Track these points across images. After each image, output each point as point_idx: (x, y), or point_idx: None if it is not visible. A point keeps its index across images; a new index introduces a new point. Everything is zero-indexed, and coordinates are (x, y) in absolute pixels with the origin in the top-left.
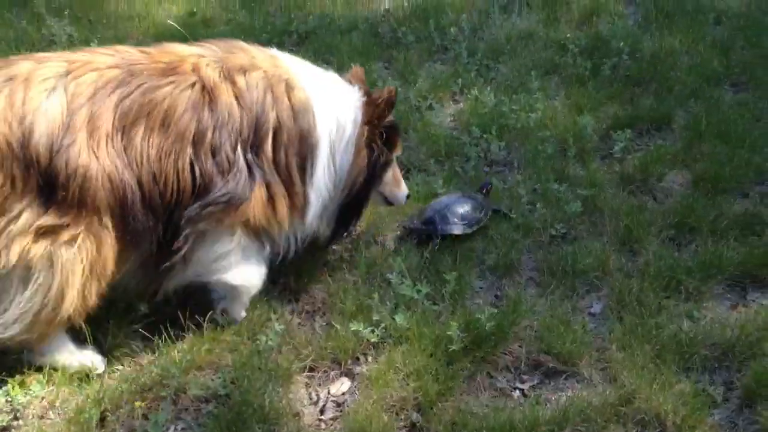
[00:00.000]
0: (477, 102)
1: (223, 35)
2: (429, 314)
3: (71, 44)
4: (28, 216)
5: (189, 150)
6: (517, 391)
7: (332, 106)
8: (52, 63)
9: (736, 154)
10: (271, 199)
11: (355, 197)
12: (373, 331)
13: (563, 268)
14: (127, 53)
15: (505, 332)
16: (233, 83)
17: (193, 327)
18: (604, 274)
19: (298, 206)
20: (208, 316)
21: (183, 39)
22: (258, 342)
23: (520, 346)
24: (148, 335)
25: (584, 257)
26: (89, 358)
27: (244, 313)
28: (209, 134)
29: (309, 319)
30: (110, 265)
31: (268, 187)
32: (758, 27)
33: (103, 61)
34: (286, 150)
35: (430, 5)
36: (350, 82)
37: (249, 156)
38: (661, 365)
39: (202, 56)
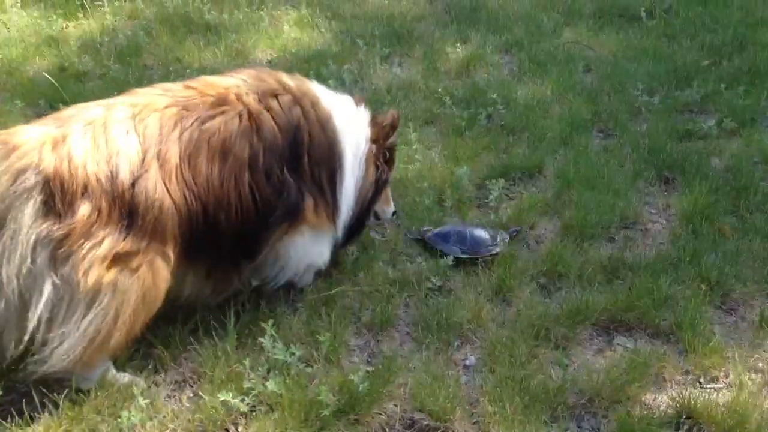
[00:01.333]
0: None
1: (98, 90)
2: (302, 378)
3: None
4: (109, 242)
5: (247, 174)
6: None
7: (349, 122)
8: (119, 107)
9: (602, 199)
10: (316, 207)
11: (362, 210)
12: (243, 400)
13: (438, 321)
14: (177, 91)
15: (380, 392)
16: (269, 108)
17: (50, 406)
18: (477, 326)
19: (331, 216)
20: (65, 394)
21: (57, 95)
22: (120, 420)
23: (394, 405)
24: None
25: (459, 309)
26: (130, 380)
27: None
28: (261, 158)
29: (177, 390)
30: (161, 295)
31: (312, 195)
32: (624, 74)
33: (161, 102)
34: (319, 165)
35: (313, 56)
36: (356, 104)
37: (292, 174)
38: (531, 416)
39: (238, 86)
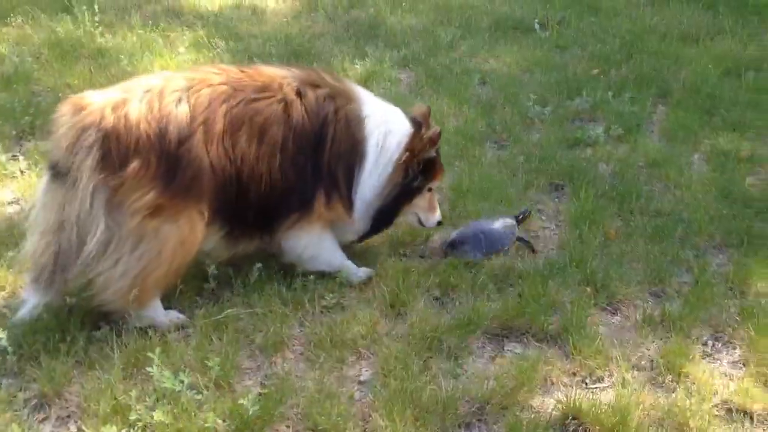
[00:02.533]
0: None
1: None
2: (191, 406)
3: None
4: (152, 195)
5: (278, 155)
6: None
7: (384, 127)
8: (176, 79)
9: (495, 209)
10: (329, 201)
11: (386, 207)
12: None
13: (332, 338)
14: (232, 72)
15: (271, 414)
16: (304, 96)
17: None
18: (372, 341)
19: (346, 208)
20: None
21: None
22: None
23: (287, 426)
24: None
25: (353, 325)
26: (176, 316)
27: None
28: (290, 144)
29: (61, 426)
30: (197, 244)
31: (325, 188)
32: (518, 86)
33: (215, 79)
34: (338, 159)
35: None
36: (413, 116)
37: (312, 164)
38: (421, 428)
39: (285, 77)
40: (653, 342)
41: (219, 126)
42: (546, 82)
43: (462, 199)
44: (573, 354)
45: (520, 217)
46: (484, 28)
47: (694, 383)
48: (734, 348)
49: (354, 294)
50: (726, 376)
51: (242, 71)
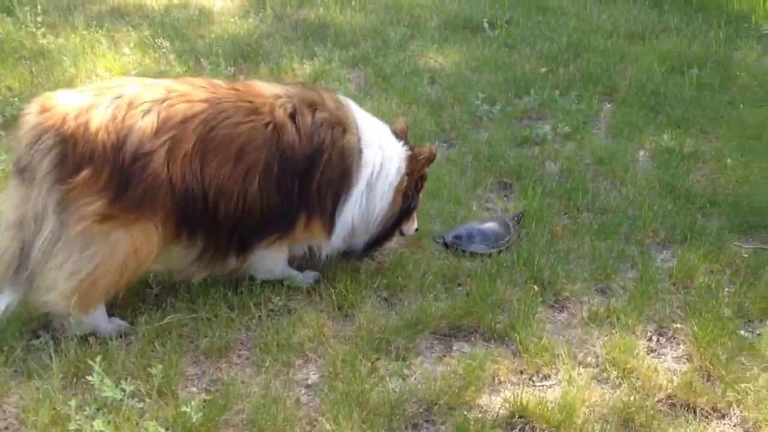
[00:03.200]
0: None
1: None
2: (133, 414)
3: None
4: (100, 204)
5: (259, 181)
6: None
7: (381, 156)
8: (154, 89)
9: (444, 208)
10: (309, 221)
11: (387, 230)
12: None
13: (278, 342)
14: (221, 89)
15: (215, 421)
16: (299, 119)
17: None
18: (320, 344)
19: (326, 228)
20: None
21: None
22: None
23: None
24: None
25: (300, 329)
26: (118, 324)
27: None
28: (275, 168)
29: None
30: (151, 257)
31: (308, 211)
32: (467, 85)
33: (197, 94)
34: (328, 185)
35: (155, 78)
36: (396, 134)
37: (299, 185)
38: (369, 430)
39: (279, 96)
40: (599, 338)
41: (187, 145)
42: (494, 81)
43: None
44: (520, 352)
45: (516, 219)
46: (433, 28)
47: (638, 379)
48: (678, 343)
49: (301, 296)
50: (670, 371)
51: (233, 88)
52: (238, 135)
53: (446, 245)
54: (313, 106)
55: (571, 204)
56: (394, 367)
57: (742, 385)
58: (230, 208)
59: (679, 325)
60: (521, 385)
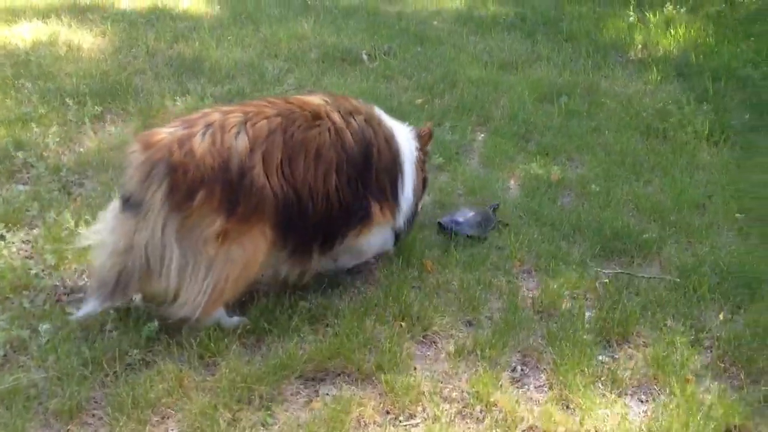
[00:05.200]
0: (55, 225)
1: None
2: None
3: None
4: (219, 222)
5: (334, 177)
6: None
7: (405, 137)
8: (233, 113)
9: None
10: (382, 209)
11: (417, 204)
12: None
13: (135, 398)
14: (281, 104)
15: None
16: (350, 124)
17: None
18: (179, 397)
19: (393, 212)
20: None
21: None
22: None
23: None
24: None
25: (159, 382)
26: (237, 320)
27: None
28: (344, 166)
29: None
30: (260, 263)
31: (377, 199)
32: None
33: (268, 111)
34: (384, 172)
35: (15, 120)
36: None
37: (363, 182)
38: None
39: (327, 103)
40: (464, 372)
41: (278, 155)
42: None
43: None
44: (386, 391)
45: (492, 209)
46: (312, 60)
47: (501, 411)
48: (540, 372)
49: (161, 347)
50: (532, 400)
51: (288, 102)
52: (313, 138)
53: (443, 228)
54: (351, 111)
55: (443, 236)
56: (256, 417)
57: (599, 412)
58: (317, 207)
59: (541, 354)
60: (386, 426)
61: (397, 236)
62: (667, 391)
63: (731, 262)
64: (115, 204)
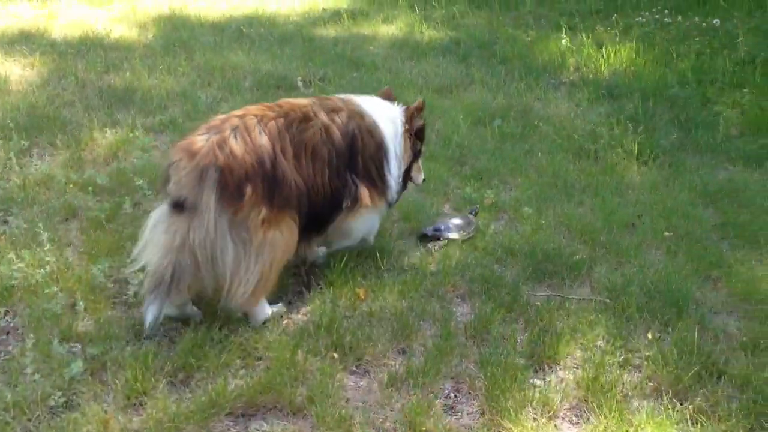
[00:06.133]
0: None
1: None
2: None
3: None
4: (264, 211)
5: (327, 171)
6: None
7: (388, 119)
8: (248, 117)
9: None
10: (371, 193)
11: (405, 174)
12: None
13: None
14: (275, 108)
15: None
16: (333, 121)
17: None
18: None
19: (383, 194)
20: None
21: None
22: None
23: None
24: None
25: (83, 426)
26: (276, 308)
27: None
28: (334, 161)
29: None
30: (294, 247)
31: (365, 185)
32: None
33: (270, 113)
34: (370, 159)
35: None
36: (386, 98)
37: (351, 171)
38: None
39: (314, 104)
40: (397, 402)
41: (289, 150)
42: None
43: None
44: (318, 425)
45: (472, 213)
46: (246, 88)
47: None
48: (473, 398)
49: (85, 388)
50: (465, 427)
51: (279, 106)
52: (309, 138)
53: (426, 237)
54: (335, 109)
55: (377, 264)
56: None
57: None
58: (317, 197)
59: (474, 380)
60: None
61: (390, 204)
62: (598, 413)
63: (659, 281)
64: (163, 207)
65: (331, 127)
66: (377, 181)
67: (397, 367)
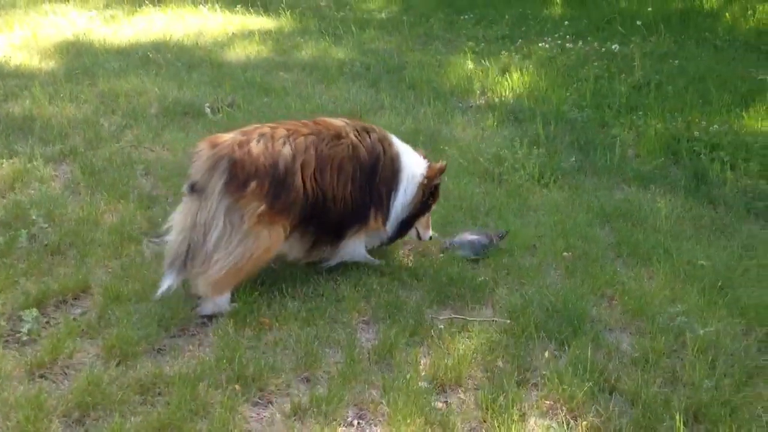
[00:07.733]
0: None
1: None
2: None
3: None
4: (263, 207)
5: (350, 185)
6: None
7: (412, 162)
8: (278, 129)
9: (151, 310)
10: (376, 215)
11: (408, 218)
12: None
13: None
14: (311, 125)
15: None
16: (363, 140)
17: None
18: None
19: (384, 219)
20: None
21: None
22: None
23: None
24: None
25: None
26: (231, 305)
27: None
28: (358, 175)
29: None
30: (273, 253)
31: (375, 206)
32: (183, 174)
33: (304, 129)
34: (384, 183)
35: None
36: (421, 154)
37: (368, 186)
38: None
39: (347, 124)
40: (301, 431)
41: (312, 164)
42: None
43: (115, 305)
44: None
45: (501, 236)
46: (152, 115)
47: None
48: (376, 424)
49: None
50: None
51: (316, 123)
52: (336, 154)
53: (445, 248)
54: (367, 129)
55: (281, 292)
56: None
57: None
58: (337, 209)
59: (377, 405)
60: None
61: (383, 243)
62: None
63: (557, 301)
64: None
65: (359, 146)
66: (384, 205)
67: (301, 396)
